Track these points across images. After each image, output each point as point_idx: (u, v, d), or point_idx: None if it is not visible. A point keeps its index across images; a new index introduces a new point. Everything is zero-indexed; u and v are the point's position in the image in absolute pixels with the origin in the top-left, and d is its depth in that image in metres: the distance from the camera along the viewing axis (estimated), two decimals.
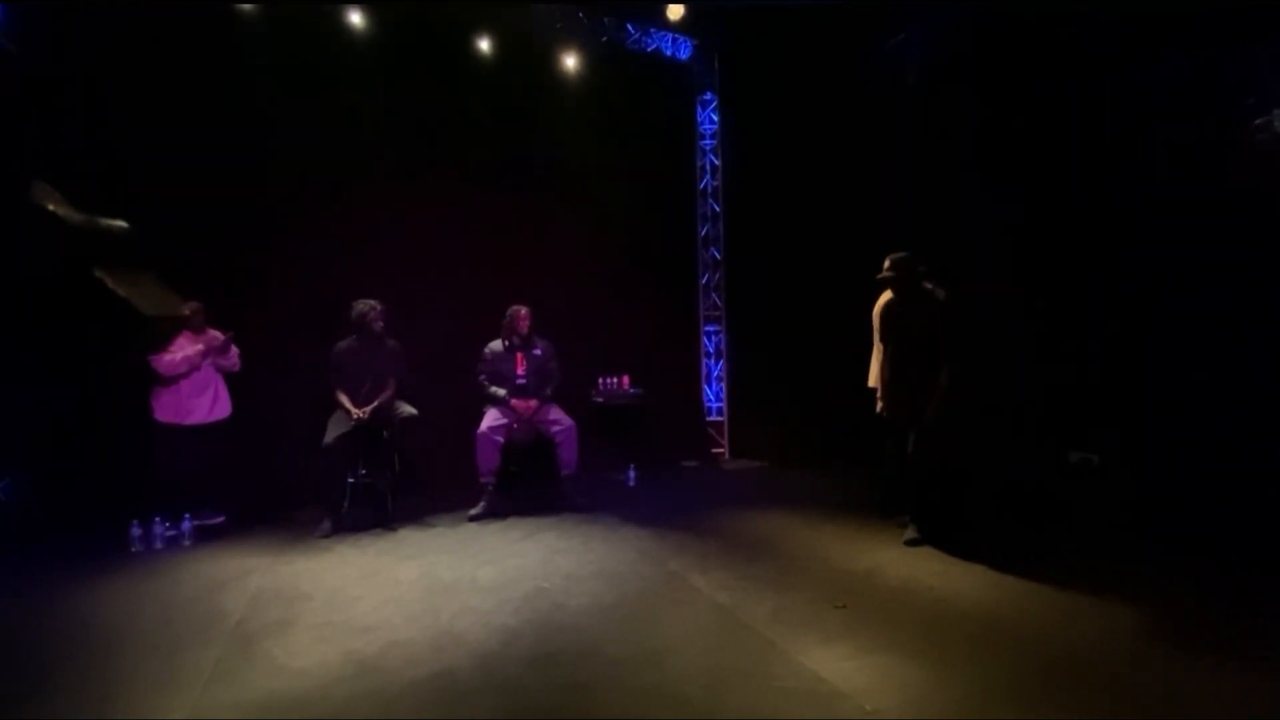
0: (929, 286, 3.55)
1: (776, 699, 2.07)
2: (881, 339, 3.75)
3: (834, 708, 2.01)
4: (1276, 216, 3.37)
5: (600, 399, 5.63)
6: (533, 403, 4.44)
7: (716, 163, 6.55)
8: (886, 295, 3.71)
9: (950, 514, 3.63)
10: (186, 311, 4.06)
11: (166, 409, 3.99)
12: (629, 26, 6.06)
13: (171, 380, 3.98)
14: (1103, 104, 4.10)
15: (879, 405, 3.75)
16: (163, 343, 3.96)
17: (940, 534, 3.51)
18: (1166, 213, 3.82)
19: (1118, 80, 4.01)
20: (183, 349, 4.02)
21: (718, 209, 6.54)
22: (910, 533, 3.54)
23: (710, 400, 6.56)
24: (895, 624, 2.57)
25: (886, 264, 3.56)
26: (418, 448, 4.49)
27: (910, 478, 3.58)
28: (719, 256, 6.54)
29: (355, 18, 5.00)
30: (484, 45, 5.47)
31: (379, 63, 5.07)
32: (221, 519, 4.18)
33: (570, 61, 5.78)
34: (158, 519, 3.77)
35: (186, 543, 3.78)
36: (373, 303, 4.24)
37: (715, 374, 6.58)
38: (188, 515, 3.96)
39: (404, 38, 5.17)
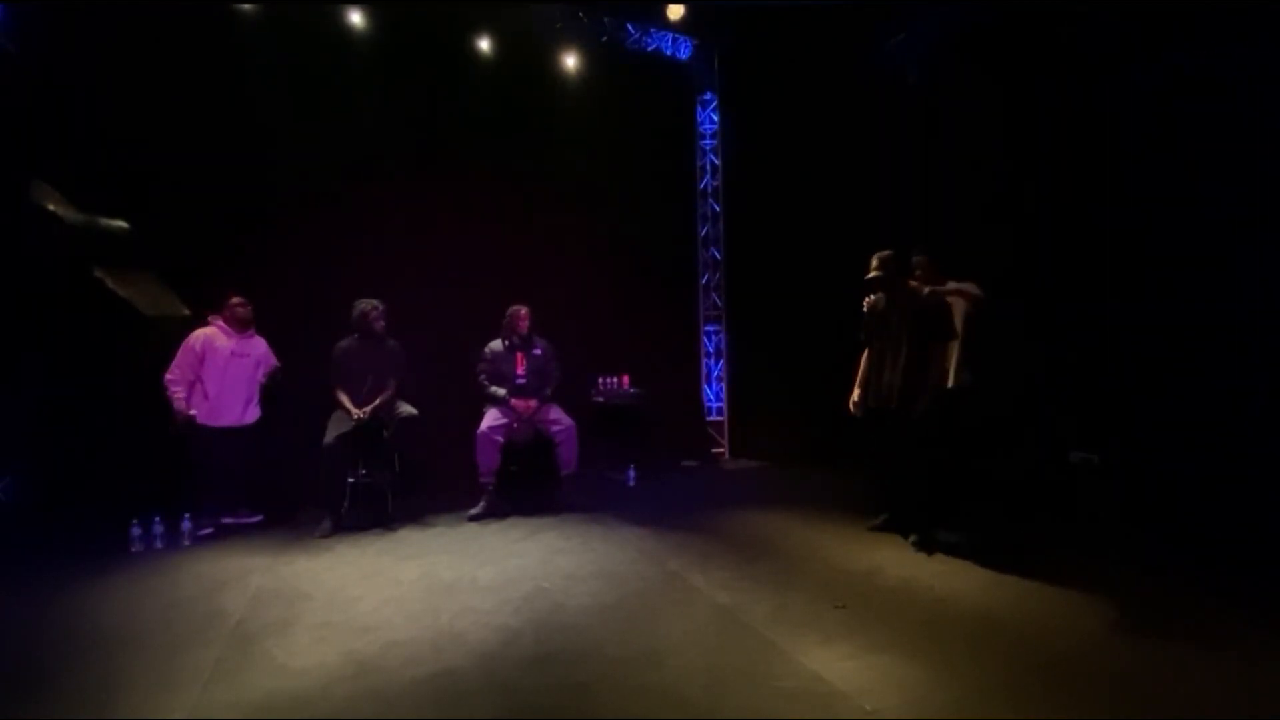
0: (913, 284, 3.56)
1: (776, 699, 2.07)
2: (867, 337, 3.76)
3: (834, 708, 2.01)
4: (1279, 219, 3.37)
5: (600, 399, 5.63)
6: (533, 402, 4.44)
7: (716, 163, 6.55)
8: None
9: (942, 512, 3.65)
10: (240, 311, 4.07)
11: (199, 407, 3.96)
12: (629, 26, 6.06)
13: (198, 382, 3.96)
14: (1103, 103, 4.10)
15: (853, 403, 3.76)
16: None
17: (931, 531, 3.52)
18: (1168, 212, 3.82)
19: (1118, 79, 4.01)
20: (215, 343, 4.00)
21: (718, 209, 6.54)
22: (914, 535, 3.53)
23: (710, 400, 6.56)
24: (895, 624, 2.57)
25: (874, 263, 3.59)
26: (418, 448, 4.49)
27: (905, 475, 3.59)
28: (719, 256, 6.55)
29: (355, 18, 5.00)
30: (484, 45, 5.47)
31: (379, 63, 5.07)
32: (259, 518, 4.20)
33: (570, 61, 5.78)
34: (157, 519, 3.77)
35: (186, 543, 3.78)
36: (374, 302, 4.25)
37: (715, 374, 6.59)
38: (225, 514, 4.03)
39: (404, 38, 5.18)
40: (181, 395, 3.89)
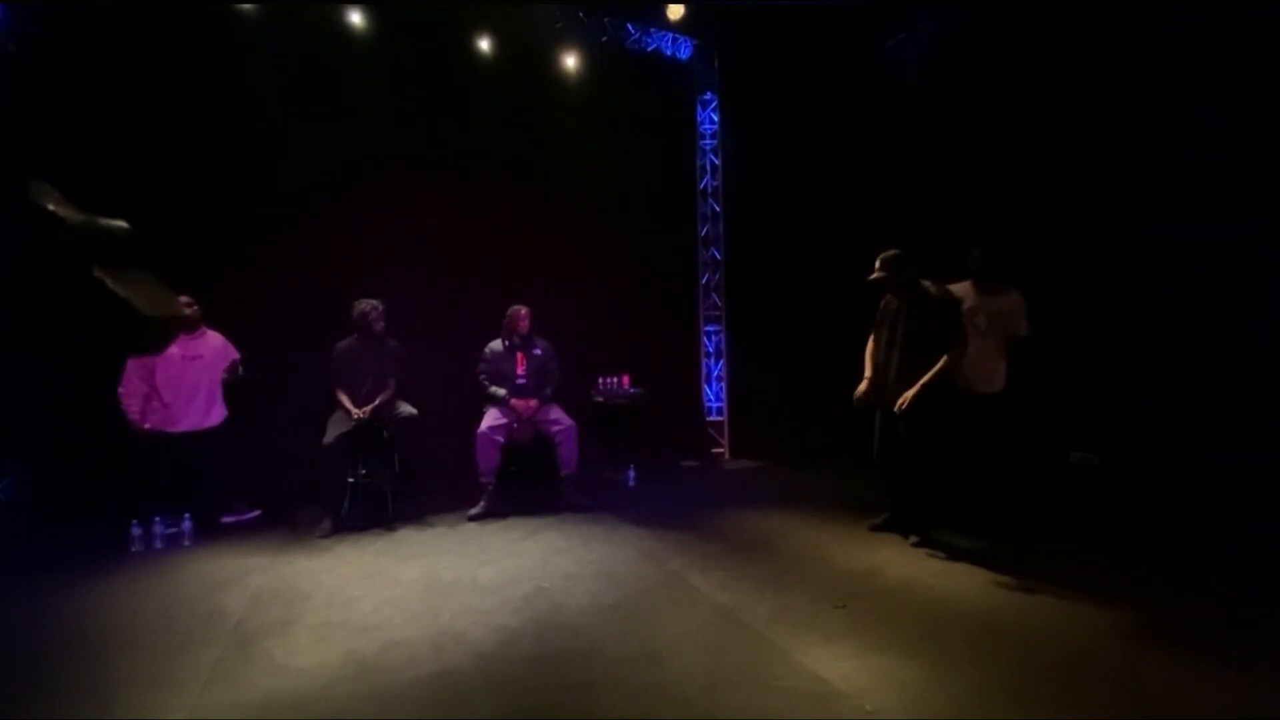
0: (925, 283, 3.55)
1: (776, 699, 2.07)
2: (876, 335, 3.73)
3: (834, 708, 2.01)
4: None
5: (600, 399, 5.63)
6: (533, 402, 4.45)
7: (716, 163, 6.55)
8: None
9: (943, 512, 3.65)
10: (187, 311, 4.02)
11: (152, 416, 3.91)
12: (629, 26, 6.06)
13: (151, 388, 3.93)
14: (1104, 102, 4.10)
15: (859, 394, 3.71)
16: (163, 344, 3.94)
17: (931, 531, 3.54)
18: (1169, 211, 3.82)
19: (1123, 79, 4.01)
20: (169, 352, 3.94)
21: (718, 209, 6.54)
22: (915, 535, 3.54)
23: (710, 400, 6.56)
24: (895, 624, 2.58)
25: (877, 263, 3.57)
26: (418, 448, 4.49)
27: (906, 475, 3.59)
28: (719, 256, 6.54)
29: (355, 18, 5.00)
30: (484, 45, 5.47)
31: (379, 63, 5.06)
32: (258, 513, 4.21)
33: (570, 61, 5.78)
34: (157, 519, 3.77)
35: (186, 543, 3.78)
36: (373, 302, 4.25)
37: (715, 374, 6.58)
38: (222, 514, 4.04)
39: (404, 38, 5.17)
40: (135, 408, 3.86)
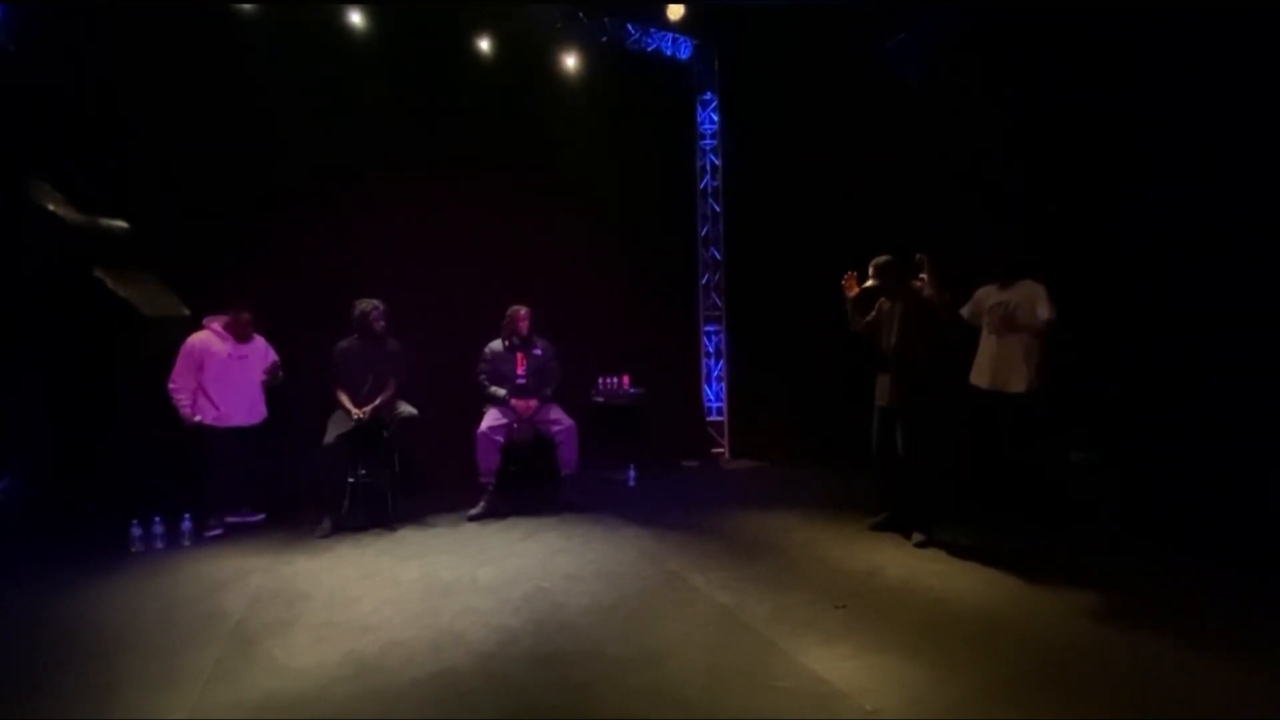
0: (916, 284, 3.57)
1: (776, 699, 2.07)
2: (871, 339, 3.78)
3: (834, 708, 2.01)
4: None
5: (600, 399, 5.64)
6: (533, 402, 4.44)
7: (716, 163, 6.56)
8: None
9: (944, 511, 3.66)
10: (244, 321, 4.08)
11: (206, 413, 3.97)
12: (629, 26, 6.06)
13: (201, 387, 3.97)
14: (1106, 103, 4.09)
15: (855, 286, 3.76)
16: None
17: (934, 530, 3.55)
18: (1171, 212, 3.81)
19: (1123, 79, 4.00)
20: (212, 347, 3.99)
21: (718, 209, 6.54)
22: (918, 535, 3.54)
23: (710, 400, 6.57)
24: (895, 624, 2.58)
25: (871, 270, 3.63)
26: (418, 448, 4.49)
27: (907, 474, 3.60)
28: (719, 256, 6.55)
29: (355, 18, 5.00)
30: (484, 45, 5.48)
31: (379, 63, 5.07)
32: (261, 517, 4.22)
33: (570, 61, 5.78)
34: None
35: (186, 543, 3.78)
36: (374, 302, 4.25)
37: (715, 374, 6.59)
38: (230, 514, 4.06)
39: (404, 38, 5.18)
40: (186, 402, 3.91)
